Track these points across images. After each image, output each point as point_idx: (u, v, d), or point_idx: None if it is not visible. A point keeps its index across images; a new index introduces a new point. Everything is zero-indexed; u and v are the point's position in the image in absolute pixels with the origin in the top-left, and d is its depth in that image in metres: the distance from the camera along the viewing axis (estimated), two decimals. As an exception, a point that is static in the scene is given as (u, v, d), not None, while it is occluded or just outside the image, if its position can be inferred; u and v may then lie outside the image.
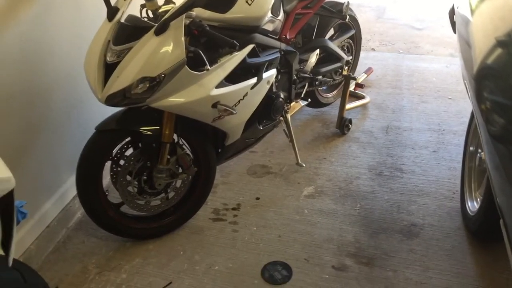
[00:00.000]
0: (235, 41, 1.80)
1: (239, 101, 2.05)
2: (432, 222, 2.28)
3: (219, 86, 1.94)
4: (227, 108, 1.92)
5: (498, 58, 1.71)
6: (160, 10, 1.96)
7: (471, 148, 2.30)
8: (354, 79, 2.99)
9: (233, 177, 2.63)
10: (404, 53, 4.24)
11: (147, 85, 1.75)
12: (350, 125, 2.99)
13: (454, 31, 2.42)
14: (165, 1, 2.04)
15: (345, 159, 2.76)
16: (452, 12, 2.66)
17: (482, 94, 1.74)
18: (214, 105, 1.93)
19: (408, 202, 2.41)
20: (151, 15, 1.99)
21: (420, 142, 2.90)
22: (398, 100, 3.40)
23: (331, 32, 3.04)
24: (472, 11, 2.16)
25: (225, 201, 2.45)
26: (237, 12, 2.03)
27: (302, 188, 2.53)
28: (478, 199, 2.18)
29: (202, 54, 1.80)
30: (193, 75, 1.82)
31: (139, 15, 1.98)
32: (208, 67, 1.80)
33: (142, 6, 2.00)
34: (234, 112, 1.94)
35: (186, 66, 1.78)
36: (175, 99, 1.83)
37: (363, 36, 4.63)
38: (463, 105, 3.27)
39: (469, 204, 2.22)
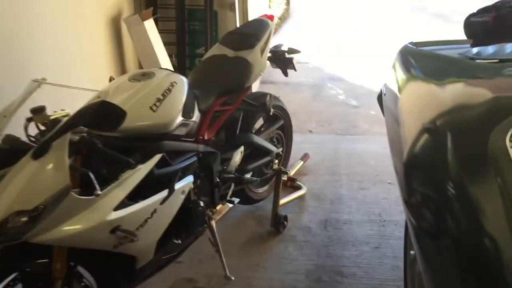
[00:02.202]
0: (130, 160, 1.56)
1: (146, 220, 1.78)
2: None
3: (120, 207, 1.67)
4: (126, 234, 1.64)
5: (426, 147, 1.59)
6: (52, 117, 1.70)
7: (411, 252, 2.09)
8: (286, 173, 2.80)
9: (153, 298, 2.29)
10: (341, 134, 4.14)
11: (26, 219, 1.47)
12: (285, 223, 2.76)
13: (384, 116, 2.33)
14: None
15: (281, 264, 2.50)
16: (380, 97, 2.58)
17: (411, 184, 1.60)
18: (113, 231, 1.65)
19: (350, 315, 2.15)
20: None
21: (360, 237, 2.69)
22: (337, 188, 3.23)
23: (260, 122, 2.88)
24: (400, 89, 2.07)
25: (142, 332, 2.10)
26: (140, 120, 1.82)
27: (233, 305, 2.24)
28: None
29: (92, 177, 1.54)
30: (82, 201, 1.55)
31: (23, 133, 1.71)
32: (99, 191, 1.54)
33: (29, 120, 1.73)
34: (136, 239, 1.66)
35: (72, 193, 1.52)
36: (62, 231, 1.54)
37: (300, 117, 4.56)
38: (403, 190, 3.13)
39: (415, 317, 1.98)
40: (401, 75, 2.18)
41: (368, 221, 2.84)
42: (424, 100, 1.87)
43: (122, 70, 3.59)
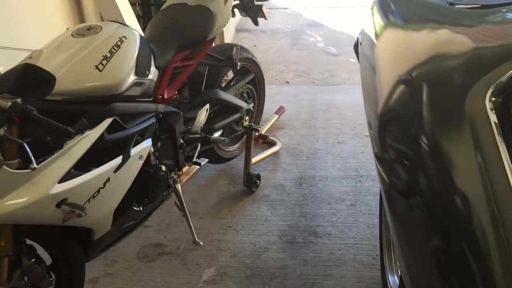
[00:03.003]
0: (69, 128, 1.39)
1: (98, 191, 1.64)
2: (351, 302, 1.95)
3: (65, 178, 1.52)
4: (73, 209, 1.50)
5: (402, 100, 1.49)
6: None
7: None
8: (257, 130, 2.65)
9: (119, 265, 2.19)
10: (319, 85, 3.97)
11: None
12: (258, 181, 2.64)
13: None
14: None
15: (253, 226, 2.40)
16: (356, 46, 2.42)
17: (384, 138, 1.52)
18: (60, 205, 1.51)
19: (323, 277, 2.07)
20: None
21: (336, 194, 2.59)
22: (313, 142, 3.10)
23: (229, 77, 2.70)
24: (377, 35, 1.94)
25: (106, 301, 2.01)
26: (85, 81, 1.64)
27: (202, 271, 2.14)
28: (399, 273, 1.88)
29: (26, 148, 1.37)
30: (18, 175, 1.39)
31: None
32: (34, 165, 1.37)
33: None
34: (83, 213, 1.52)
35: (4, 167, 1.35)
36: (1, 207, 1.39)
37: (276, 67, 4.37)
38: (382, 143, 3.01)
39: (390, 279, 1.91)
40: (378, 20, 2.02)
41: (344, 177, 2.74)
42: (401, 48, 1.74)
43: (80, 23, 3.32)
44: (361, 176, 2.73)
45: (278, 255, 2.20)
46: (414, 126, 1.31)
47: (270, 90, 3.78)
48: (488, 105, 1.04)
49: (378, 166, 1.57)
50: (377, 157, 1.61)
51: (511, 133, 1.01)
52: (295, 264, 2.15)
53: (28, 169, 1.38)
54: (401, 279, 1.71)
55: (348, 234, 2.31)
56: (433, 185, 1.15)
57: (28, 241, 1.66)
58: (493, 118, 1.04)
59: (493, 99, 1.06)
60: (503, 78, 1.05)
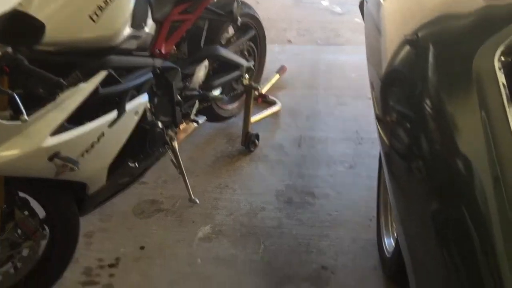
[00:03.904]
0: (60, 79, 1.35)
1: (92, 145, 1.61)
2: (346, 262, 1.95)
3: (58, 131, 1.49)
4: (66, 162, 1.47)
5: (407, 61, 1.44)
6: None
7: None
8: (256, 88, 2.59)
9: (114, 221, 2.18)
10: (322, 44, 3.88)
11: None
12: (257, 141, 2.61)
13: None
14: None
15: (250, 185, 2.38)
16: (362, 4, 2.35)
17: (387, 100, 1.49)
18: (52, 158, 1.48)
19: (319, 238, 2.07)
20: None
21: (335, 156, 2.57)
22: (314, 103, 3.04)
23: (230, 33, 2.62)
24: None
25: (101, 256, 2.01)
26: (79, 32, 1.57)
27: (197, 228, 2.13)
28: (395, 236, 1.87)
29: (17, 99, 1.33)
30: (9, 127, 1.36)
31: None
32: (25, 116, 1.33)
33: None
34: (76, 167, 1.49)
35: (-7, 118, 1.32)
36: (-10, 159, 1.37)
37: (279, 25, 4.26)
38: (383, 106, 2.96)
39: (385, 241, 1.91)
40: None
41: (344, 139, 2.70)
42: (408, 7, 1.68)
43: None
44: (361, 138, 2.69)
45: (275, 214, 2.20)
46: (418, 88, 1.28)
47: (272, 49, 3.69)
48: (497, 64, 1.00)
49: (379, 127, 1.54)
50: (378, 118, 1.57)
51: (519, 94, 0.97)
52: (291, 224, 2.14)
53: (19, 120, 1.34)
54: (397, 242, 1.71)
55: (346, 195, 2.29)
56: (435, 148, 1.12)
57: (22, 194, 1.65)
58: (501, 78, 1.00)
59: (502, 58, 1.01)
60: (514, 37, 1.00)
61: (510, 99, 0.96)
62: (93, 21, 1.57)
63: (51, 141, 1.46)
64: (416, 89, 1.29)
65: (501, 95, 0.97)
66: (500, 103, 0.96)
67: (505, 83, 0.99)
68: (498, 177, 0.87)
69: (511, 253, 0.80)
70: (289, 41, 3.95)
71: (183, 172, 2.16)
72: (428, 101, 1.20)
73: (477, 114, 1.00)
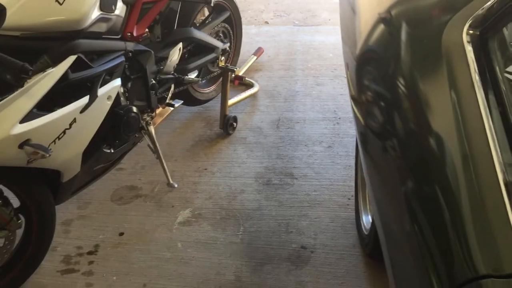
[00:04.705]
0: (26, 64, 1.31)
1: (64, 132, 1.58)
2: (325, 241, 1.97)
3: (27, 118, 1.46)
4: (36, 149, 1.44)
5: (381, 40, 1.44)
6: None
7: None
8: (233, 70, 2.57)
9: (92, 208, 2.16)
10: (299, 25, 3.86)
11: None
12: (235, 124, 2.60)
13: None
14: None
15: (229, 168, 2.37)
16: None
17: (362, 80, 1.49)
18: (22, 146, 1.45)
19: (298, 218, 2.08)
20: None
21: (313, 136, 2.57)
22: (291, 84, 3.04)
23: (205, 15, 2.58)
24: None
25: (80, 243, 1.99)
26: (44, 16, 1.52)
27: (177, 213, 2.13)
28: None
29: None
30: (-27, 114, 1.32)
31: None
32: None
33: None
34: (47, 154, 1.47)
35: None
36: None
37: (256, 7, 4.22)
38: (361, 85, 2.97)
39: (363, 219, 1.92)
40: None
41: (322, 119, 2.70)
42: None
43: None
44: (339, 118, 2.70)
45: (254, 196, 2.20)
46: (392, 66, 1.28)
47: (249, 31, 3.67)
48: (465, 38, 1.00)
49: (354, 107, 1.53)
50: (353, 98, 1.57)
51: (487, 68, 0.97)
52: (270, 205, 2.15)
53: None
54: (373, 219, 1.72)
55: (324, 175, 2.30)
56: (408, 127, 1.13)
57: (-6, 184, 1.62)
58: (470, 53, 1.00)
59: (470, 32, 1.01)
60: (481, 10, 1.00)
61: (478, 74, 0.96)
62: (59, 3, 1.52)
63: (21, 128, 1.43)
64: (389, 68, 1.29)
65: (469, 70, 0.97)
66: (468, 78, 0.96)
67: (473, 57, 0.99)
68: (467, 154, 0.88)
69: (479, 228, 0.81)
70: (266, 23, 3.91)
71: (161, 157, 2.14)
72: (401, 80, 1.20)
73: (447, 90, 1.00)
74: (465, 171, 0.88)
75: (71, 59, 1.57)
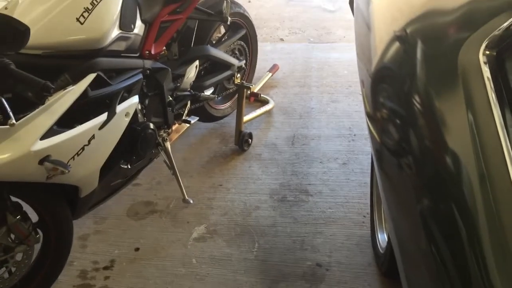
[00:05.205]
0: (48, 82, 1.34)
1: (83, 148, 1.61)
2: (340, 259, 1.96)
3: (47, 135, 1.49)
4: (56, 166, 1.47)
5: (396, 57, 1.45)
6: None
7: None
8: (248, 87, 2.59)
9: (109, 223, 2.18)
10: (314, 42, 3.88)
11: None
12: (250, 140, 2.61)
13: None
14: None
15: (244, 184, 2.38)
16: (351, 1, 2.35)
17: (377, 97, 1.50)
18: (42, 162, 1.48)
19: (313, 235, 2.07)
20: None
21: (328, 153, 2.57)
22: (306, 101, 3.05)
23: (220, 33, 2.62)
24: None
25: (96, 258, 2.01)
26: (66, 35, 1.57)
27: (192, 228, 2.14)
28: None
29: (4, 103, 1.33)
30: (-5, 131, 1.36)
31: None
32: (13, 120, 1.33)
33: None
34: (66, 170, 1.49)
35: (-18, 123, 1.32)
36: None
37: (271, 24, 4.27)
38: (376, 102, 2.97)
39: (379, 237, 1.91)
40: None
41: (337, 135, 2.71)
42: (397, 3, 1.67)
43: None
44: (355, 135, 2.70)
45: (269, 213, 2.20)
46: (407, 84, 1.28)
47: (264, 48, 3.71)
48: (482, 58, 1.00)
49: (369, 124, 1.54)
50: (369, 115, 1.58)
51: (504, 88, 0.97)
52: (285, 222, 2.15)
53: (7, 125, 1.34)
54: (389, 237, 1.71)
55: (339, 192, 2.30)
56: (424, 145, 1.12)
57: (14, 199, 1.64)
58: (486, 73, 1.00)
59: (487, 52, 1.01)
60: (498, 31, 1.00)
61: (494, 93, 0.96)
62: (80, 23, 1.57)
63: (41, 145, 1.46)
64: (405, 86, 1.29)
65: (486, 90, 0.97)
66: (485, 98, 0.96)
67: (490, 77, 0.99)
68: (484, 174, 0.87)
69: (497, 248, 0.81)
70: (281, 40, 3.95)
71: (176, 173, 2.16)
72: (416, 98, 1.21)
73: (463, 109, 1.00)
74: (482, 190, 0.88)
75: (91, 77, 1.61)
